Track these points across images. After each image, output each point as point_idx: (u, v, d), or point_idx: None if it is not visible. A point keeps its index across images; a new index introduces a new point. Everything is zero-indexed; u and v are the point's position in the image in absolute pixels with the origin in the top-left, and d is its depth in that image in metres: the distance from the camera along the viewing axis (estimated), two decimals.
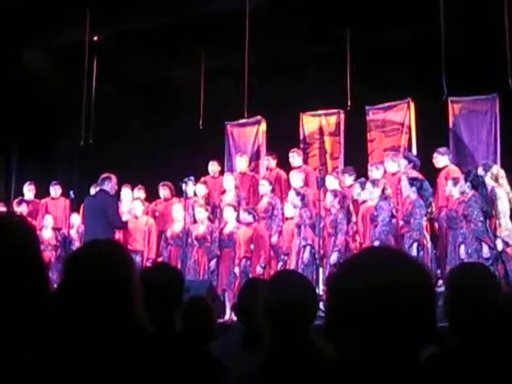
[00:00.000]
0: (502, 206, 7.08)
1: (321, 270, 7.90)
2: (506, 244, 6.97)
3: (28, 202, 10.22)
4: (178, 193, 9.13)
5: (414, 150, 9.30)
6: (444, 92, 8.73)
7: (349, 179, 8.74)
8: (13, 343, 1.47)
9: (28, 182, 10.61)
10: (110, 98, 11.17)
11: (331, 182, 8.41)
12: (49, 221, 9.68)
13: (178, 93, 11.14)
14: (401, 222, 7.54)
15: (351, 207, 8.13)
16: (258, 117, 10.40)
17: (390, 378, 1.29)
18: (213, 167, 9.86)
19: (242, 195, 9.22)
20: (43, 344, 1.52)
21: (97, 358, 1.75)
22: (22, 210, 9.82)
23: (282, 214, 8.57)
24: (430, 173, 8.25)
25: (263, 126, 10.46)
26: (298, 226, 8.08)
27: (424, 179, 7.77)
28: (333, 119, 10.20)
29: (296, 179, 8.80)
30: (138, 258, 8.58)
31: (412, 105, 9.53)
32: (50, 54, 11.21)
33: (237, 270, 8.28)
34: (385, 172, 8.39)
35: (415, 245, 7.20)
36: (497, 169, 7.51)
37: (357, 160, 9.43)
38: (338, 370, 1.35)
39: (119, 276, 1.90)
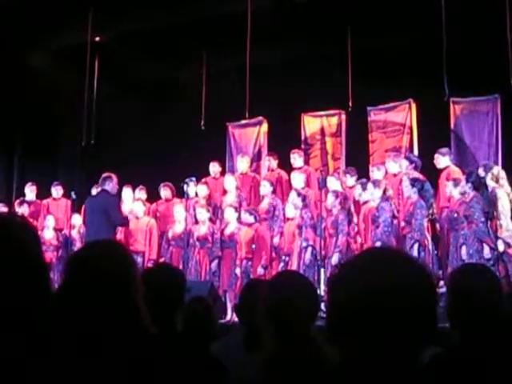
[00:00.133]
0: (503, 206, 7.08)
1: (322, 270, 7.89)
2: (507, 245, 6.97)
3: (29, 203, 10.21)
4: (180, 193, 9.11)
5: (416, 151, 9.29)
6: (445, 93, 8.71)
7: (350, 180, 8.75)
8: (13, 343, 1.47)
9: (29, 183, 10.60)
10: (111, 99, 11.16)
11: (332, 183, 8.41)
12: (50, 221, 9.67)
13: (180, 93, 11.14)
14: (402, 223, 7.54)
15: (352, 208, 8.13)
16: (260, 117, 10.39)
17: (391, 378, 1.29)
18: (214, 168, 9.86)
19: (243, 196, 9.21)
20: (43, 344, 1.52)
21: (98, 358, 1.75)
22: (23, 210, 9.81)
23: (283, 214, 8.55)
24: (432, 173, 8.24)
25: (264, 127, 10.44)
26: (299, 227, 8.07)
27: (425, 180, 7.76)
28: (334, 120, 10.19)
29: (297, 180, 8.79)
30: (139, 259, 8.59)
31: (413, 105, 9.51)
32: (52, 55, 11.21)
33: (238, 270, 8.28)
34: (386, 173, 8.39)
35: (416, 245, 7.20)
36: (497, 169, 7.50)
37: (358, 161, 9.43)
38: (341, 371, 1.35)
39: (121, 276, 1.90)
